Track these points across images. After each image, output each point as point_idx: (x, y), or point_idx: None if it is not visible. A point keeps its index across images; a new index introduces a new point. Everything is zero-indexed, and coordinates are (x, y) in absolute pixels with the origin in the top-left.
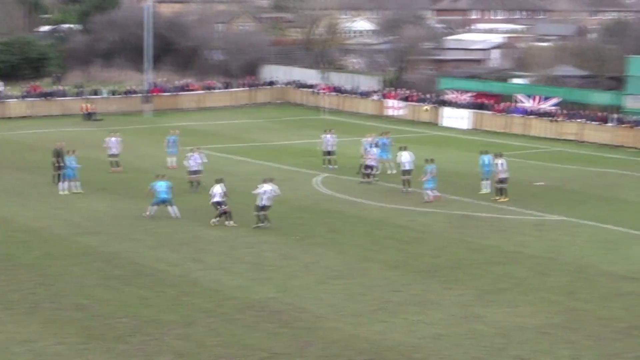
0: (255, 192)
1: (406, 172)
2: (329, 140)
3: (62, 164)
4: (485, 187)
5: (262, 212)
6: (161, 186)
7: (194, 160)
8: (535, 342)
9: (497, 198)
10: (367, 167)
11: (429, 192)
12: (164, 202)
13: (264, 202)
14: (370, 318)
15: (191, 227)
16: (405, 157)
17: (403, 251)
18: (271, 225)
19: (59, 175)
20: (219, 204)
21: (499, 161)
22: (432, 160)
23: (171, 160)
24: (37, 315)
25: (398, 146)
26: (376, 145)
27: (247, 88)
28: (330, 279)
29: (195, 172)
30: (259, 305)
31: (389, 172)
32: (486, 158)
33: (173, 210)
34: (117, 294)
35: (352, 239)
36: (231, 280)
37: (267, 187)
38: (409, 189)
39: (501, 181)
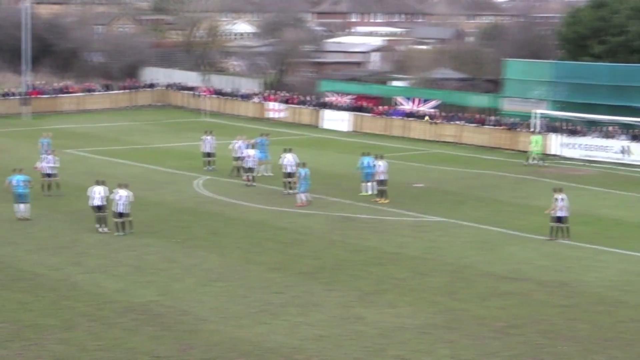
0: (110, 196)
1: (288, 175)
2: (208, 141)
3: None
4: (366, 189)
5: (120, 220)
6: (18, 180)
7: (47, 163)
8: (416, 342)
9: (377, 200)
10: (248, 169)
11: (302, 195)
12: (20, 197)
13: (120, 209)
14: (252, 320)
15: (71, 230)
16: (289, 159)
17: (285, 253)
18: (133, 232)
19: None
20: (99, 208)
21: (379, 163)
22: (304, 164)
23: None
24: None
25: (283, 148)
26: (253, 147)
27: (128, 90)
28: (212, 282)
29: (50, 175)
30: (141, 308)
31: (266, 173)
32: (366, 160)
33: (23, 208)
34: None
35: (233, 241)
36: (112, 284)
37: (122, 192)
38: (291, 191)
39: (381, 183)
